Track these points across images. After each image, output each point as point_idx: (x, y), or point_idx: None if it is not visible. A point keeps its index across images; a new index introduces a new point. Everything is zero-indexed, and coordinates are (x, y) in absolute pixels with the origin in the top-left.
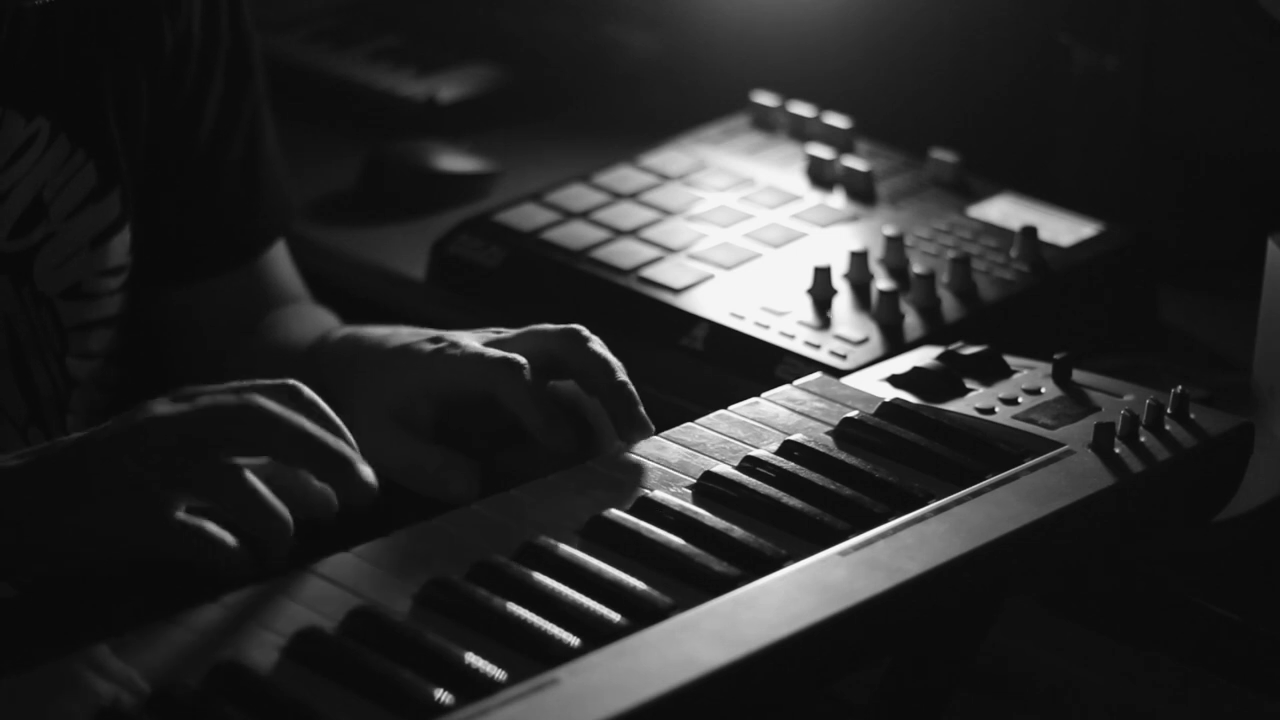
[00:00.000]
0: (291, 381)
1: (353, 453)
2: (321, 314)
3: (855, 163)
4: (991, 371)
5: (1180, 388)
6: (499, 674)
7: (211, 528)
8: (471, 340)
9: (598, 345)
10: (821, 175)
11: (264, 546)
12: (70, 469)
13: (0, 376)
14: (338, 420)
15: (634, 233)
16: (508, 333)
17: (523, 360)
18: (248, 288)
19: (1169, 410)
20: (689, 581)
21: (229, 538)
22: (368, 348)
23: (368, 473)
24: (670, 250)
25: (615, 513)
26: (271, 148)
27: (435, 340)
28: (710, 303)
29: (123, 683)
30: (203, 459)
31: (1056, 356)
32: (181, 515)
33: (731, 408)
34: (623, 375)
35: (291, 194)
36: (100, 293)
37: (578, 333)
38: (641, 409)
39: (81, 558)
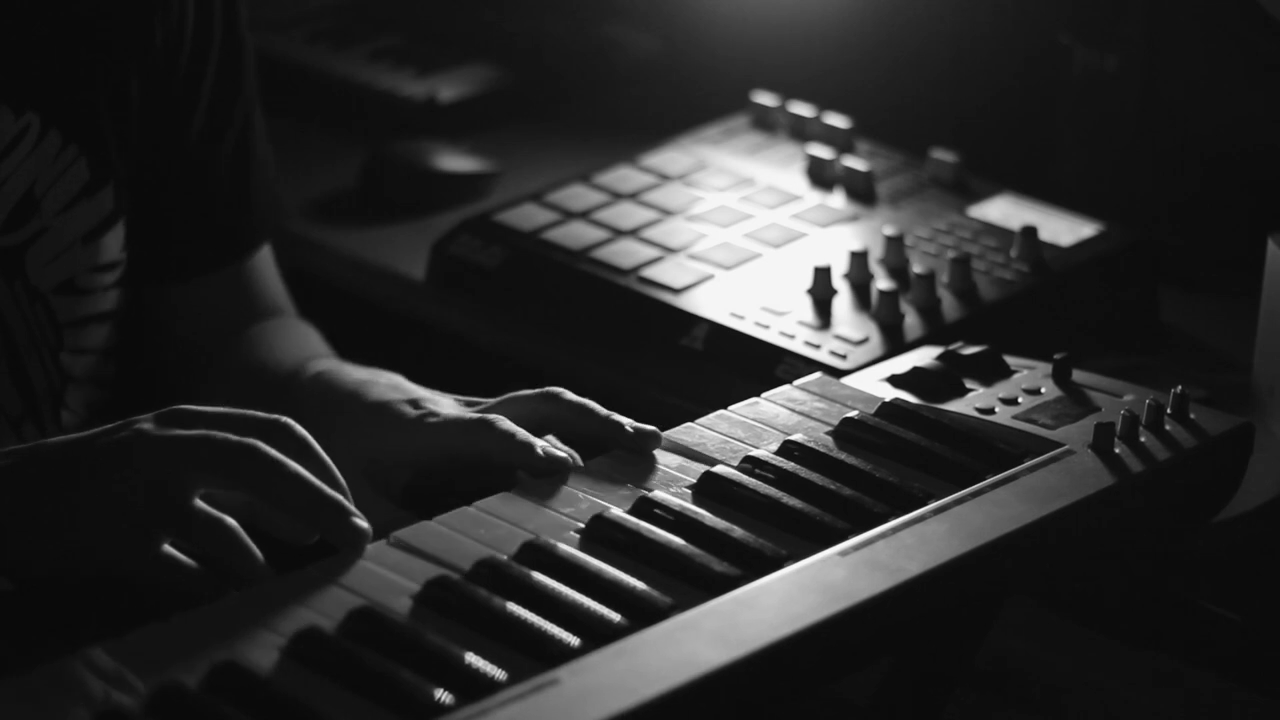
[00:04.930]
0: (285, 420)
1: (347, 502)
2: (305, 331)
3: (855, 163)
4: (991, 371)
5: (1180, 388)
6: (499, 674)
7: (192, 565)
8: (450, 405)
9: (573, 396)
10: (821, 175)
11: (244, 582)
12: (55, 478)
13: None
14: (329, 461)
15: (634, 233)
16: (485, 401)
17: (499, 416)
18: (234, 291)
19: (1169, 410)
20: (689, 581)
21: (207, 574)
22: (344, 394)
23: (361, 523)
24: (670, 250)
25: (615, 513)
26: (263, 150)
27: (415, 404)
28: (710, 303)
29: (119, 683)
30: (191, 494)
31: (1056, 356)
32: (166, 550)
33: (731, 408)
34: (604, 410)
35: (281, 198)
36: (94, 288)
37: (553, 391)
38: (637, 425)
39: (63, 564)
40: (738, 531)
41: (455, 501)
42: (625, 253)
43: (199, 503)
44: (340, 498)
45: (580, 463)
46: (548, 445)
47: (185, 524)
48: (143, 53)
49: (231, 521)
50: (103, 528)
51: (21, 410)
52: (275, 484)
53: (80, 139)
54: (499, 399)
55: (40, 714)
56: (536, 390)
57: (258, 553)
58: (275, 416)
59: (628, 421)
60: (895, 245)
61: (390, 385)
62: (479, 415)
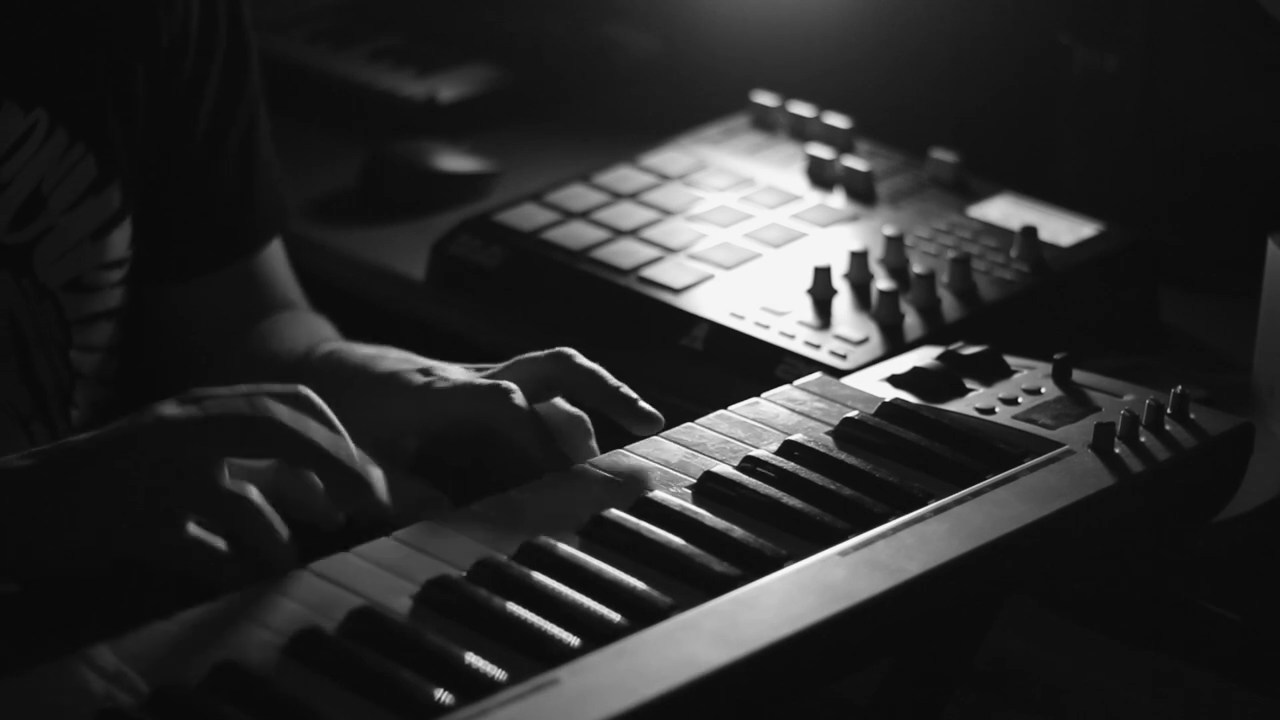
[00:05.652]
0: (300, 388)
1: (364, 469)
2: (317, 322)
3: (855, 163)
4: (991, 371)
5: (1180, 388)
6: (499, 674)
7: (217, 545)
8: (460, 372)
9: (585, 360)
10: (821, 175)
11: (268, 560)
12: (76, 473)
13: (3, 369)
14: (343, 431)
15: (634, 233)
16: (494, 367)
17: (512, 385)
18: (241, 288)
19: (1169, 410)
20: (689, 581)
21: (232, 554)
22: (354, 368)
23: (381, 490)
24: (670, 250)
25: (615, 513)
26: (267, 149)
27: (425, 372)
28: (710, 303)
29: (119, 682)
30: (210, 470)
31: (1056, 356)
32: (189, 531)
33: (731, 408)
34: (614, 380)
35: (287, 196)
36: (101, 286)
37: (564, 353)
38: (643, 404)
39: (88, 560)
40: (738, 531)
41: (463, 469)
42: (625, 253)
43: (223, 480)
44: (359, 464)
45: (590, 427)
46: (555, 447)
47: (205, 501)
48: (148, 51)
49: (256, 495)
50: (118, 512)
51: (31, 408)
52: (293, 445)
53: (87, 136)
54: (508, 363)
55: (40, 714)
56: (547, 351)
57: (283, 528)
58: (290, 385)
59: (636, 399)
60: (895, 245)
61: (400, 358)
62: (492, 382)
